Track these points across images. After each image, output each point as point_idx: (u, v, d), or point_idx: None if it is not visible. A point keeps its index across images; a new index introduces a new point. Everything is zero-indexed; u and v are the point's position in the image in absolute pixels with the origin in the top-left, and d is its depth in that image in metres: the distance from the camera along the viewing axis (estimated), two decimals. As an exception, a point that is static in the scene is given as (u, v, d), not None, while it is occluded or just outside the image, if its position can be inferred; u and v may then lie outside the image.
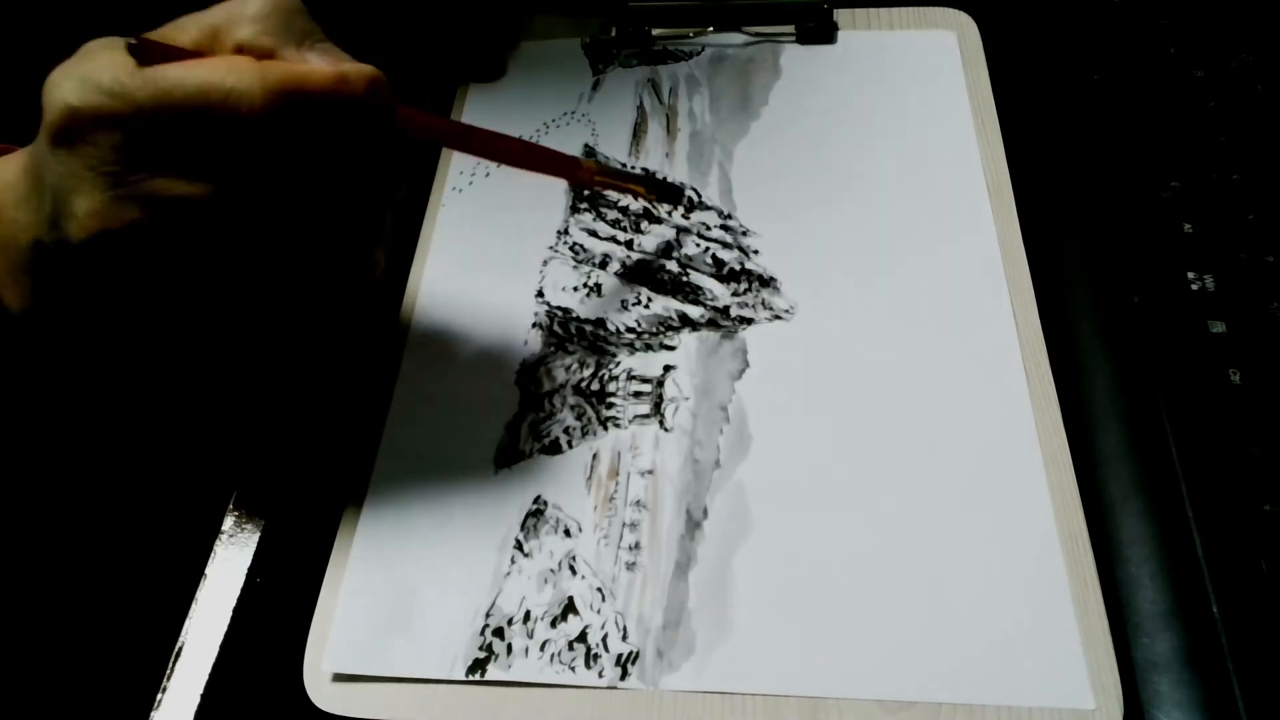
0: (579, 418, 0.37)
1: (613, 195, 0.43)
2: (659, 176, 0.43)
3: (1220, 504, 0.33)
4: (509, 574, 0.34)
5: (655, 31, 0.48)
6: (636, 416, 0.37)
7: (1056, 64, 0.46)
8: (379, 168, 0.29)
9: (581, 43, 0.49)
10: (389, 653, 0.32)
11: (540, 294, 0.40)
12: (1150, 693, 0.30)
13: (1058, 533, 0.32)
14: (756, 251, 0.41)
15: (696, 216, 0.42)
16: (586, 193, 0.43)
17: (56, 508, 0.38)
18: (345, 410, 0.38)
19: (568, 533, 0.34)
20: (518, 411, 0.37)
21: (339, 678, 0.32)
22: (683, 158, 0.44)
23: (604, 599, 0.33)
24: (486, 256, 0.42)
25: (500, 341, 0.39)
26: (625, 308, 0.40)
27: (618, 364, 0.38)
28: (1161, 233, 0.40)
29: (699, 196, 0.43)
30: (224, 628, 0.34)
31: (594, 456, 0.36)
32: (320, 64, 0.27)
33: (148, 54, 0.25)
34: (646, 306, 0.40)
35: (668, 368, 0.38)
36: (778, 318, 0.39)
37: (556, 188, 0.43)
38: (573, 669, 0.31)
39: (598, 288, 0.40)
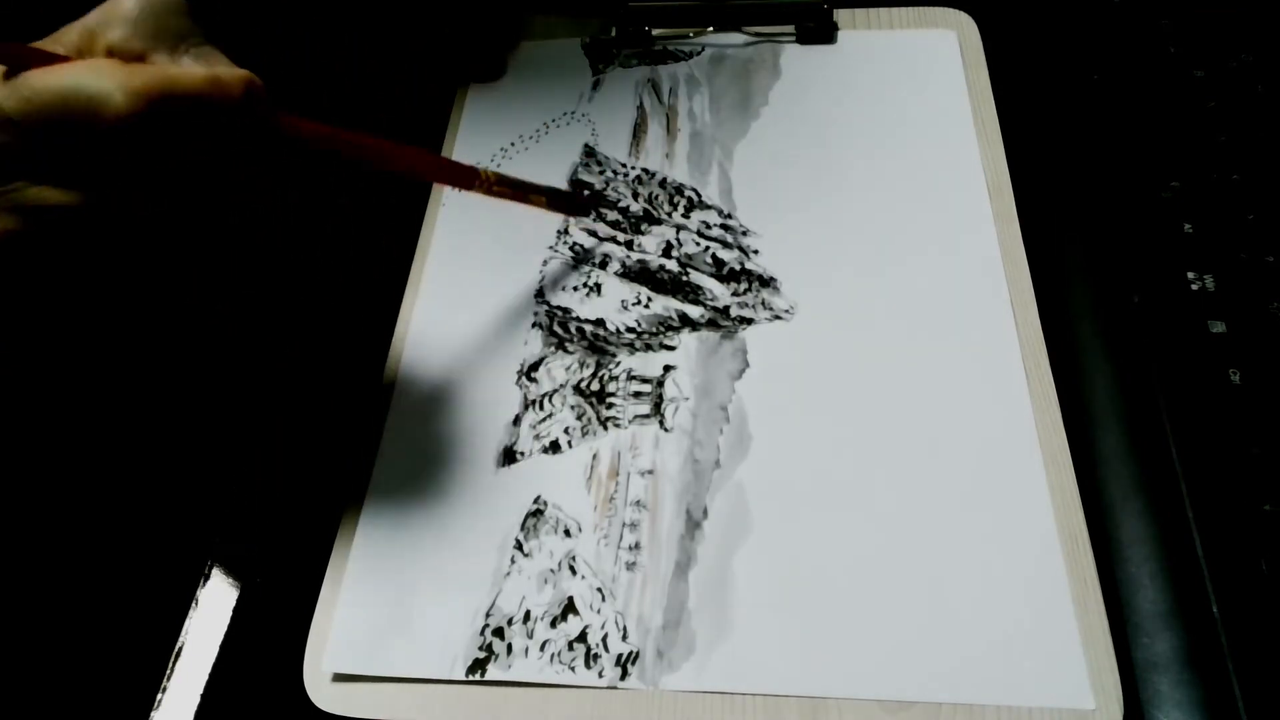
0: (579, 418, 0.37)
1: (607, 212, 0.43)
2: (564, 189, 0.42)
3: (1220, 504, 0.33)
4: (509, 574, 0.34)
5: (655, 31, 0.48)
6: (636, 416, 0.37)
7: (1056, 64, 0.46)
8: (260, 174, 0.28)
9: (581, 43, 0.49)
10: (389, 653, 0.32)
11: (540, 294, 0.40)
12: (1150, 693, 0.30)
13: (1058, 533, 0.32)
14: (756, 251, 0.41)
15: (696, 216, 0.42)
16: (587, 192, 0.43)
17: (56, 507, 0.38)
18: (345, 410, 0.38)
19: (568, 533, 0.34)
20: (518, 411, 0.37)
21: (339, 678, 0.32)
22: (683, 157, 0.44)
23: (604, 599, 0.33)
24: (487, 256, 0.42)
25: (500, 341, 0.39)
26: (625, 308, 0.40)
27: (618, 364, 0.38)
28: (1161, 233, 0.40)
29: (699, 197, 0.43)
30: (224, 628, 0.34)
31: (594, 456, 0.36)
32: (194, 68, 0.26)
33: (19, 61, 0.24)
34: (646, 306, 0.40)
35: (668, 368, 0.38)
36: (778, 318, 0.39)
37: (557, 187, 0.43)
38: (573, 669, 0.31)
39: (598, 288, 0.40)
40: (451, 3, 0.50)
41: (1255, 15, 0.46)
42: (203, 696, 0.33)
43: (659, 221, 0.42)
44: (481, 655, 0.32)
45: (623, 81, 0.47)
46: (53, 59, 0.25)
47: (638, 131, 0.45)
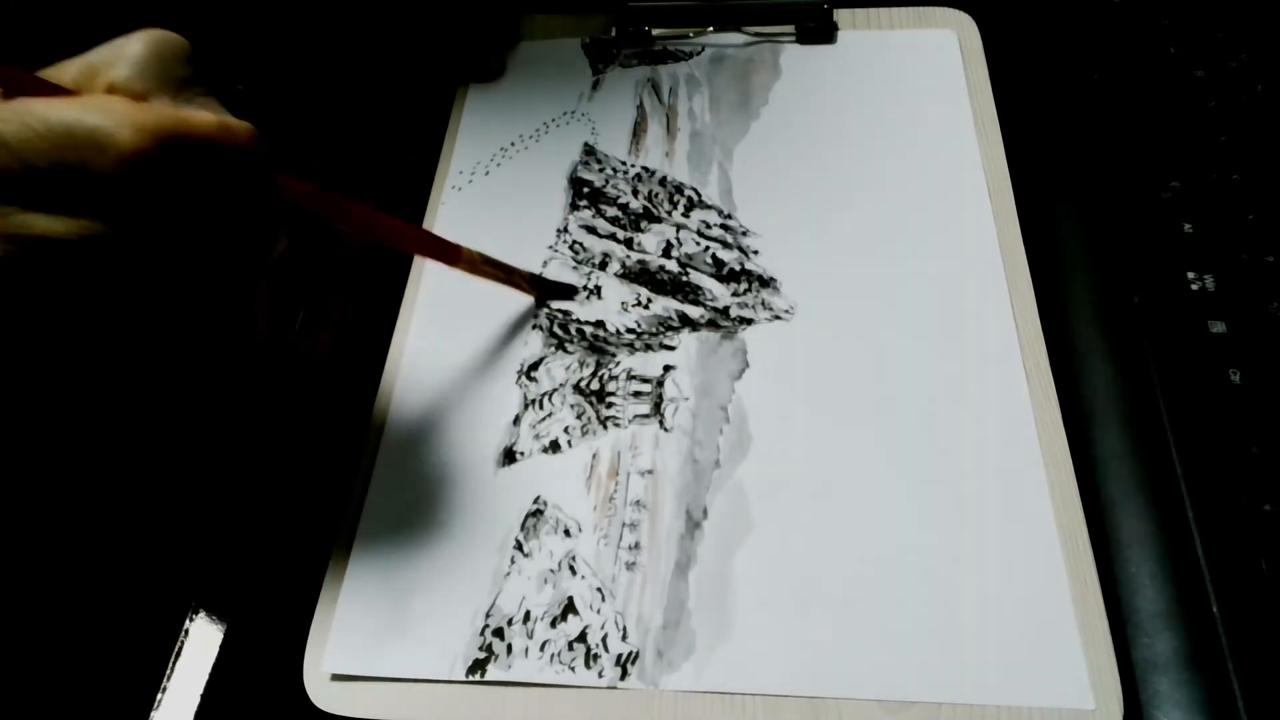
0: (579, 417, 0.37)
1: (607, 209, 0.43)
2: (547, 277, 0.40)
3: (1220, 504, 0.33)
4: (509, 574, 0.34)
5: (655, 31, 0.48)
6: (636, 416, 0.37)
7: (1056, 64, 0.46)
8: (254, 228, 0.28)
9: (581, 43, 0.49)
10: (389, 653, 0.32)
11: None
12: (1150, 693, 0.30)
13: (1058, 533, 0.32)
14: (756, 251, 0.41)
15: (696, 215, 0.42)
16: (586, 190, 0.43)
17: (56, 507, 0.38)
18: (345, 410, 0.38)
19: (567, 533, 0.34)
20: (518, 411, 0.37)
21: (339, 678, 0.32)
22: (683, 157, 0.44)
23: (604, 599, 0.33)
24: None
25: (500, 341, 0.39)
26: (625, 308, 0.40)
27: (617, 364, 0.38)
28: (1161, 233, 0.40)
29: (699, 196, 0.43)
30: (224, 628, 0.34)
31: (594, 456, 0.36)
32: (200, 112, 0.25)
33: (18, 86, 0.24)
34: (646, 307, 0.40)
35: (668, 368, 0.38)
36: (778, 318, 0.39)
37: (556, 187, 0.43)
38: (572, 669, 0.31)
39: (598, 290, 0.40)
40: (451, 3, 0.50)
41: (1255, 15, 0.46)
42: (203, 696, 0.33)
43: (659, 220, 0.42)
44: (481, 655, 0.32)
45: (623, 81, 0.47)
46: (56, 90, 0.25)
47: (638, 131, 0.45)
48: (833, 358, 0.37)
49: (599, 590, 0.33)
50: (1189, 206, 0.40)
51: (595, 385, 0.38)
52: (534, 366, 0.38)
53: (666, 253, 0.41)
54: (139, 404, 0.35)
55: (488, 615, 0.33)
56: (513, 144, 0.45)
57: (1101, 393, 0.36)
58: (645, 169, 0.44)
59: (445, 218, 0.43)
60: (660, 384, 0.37)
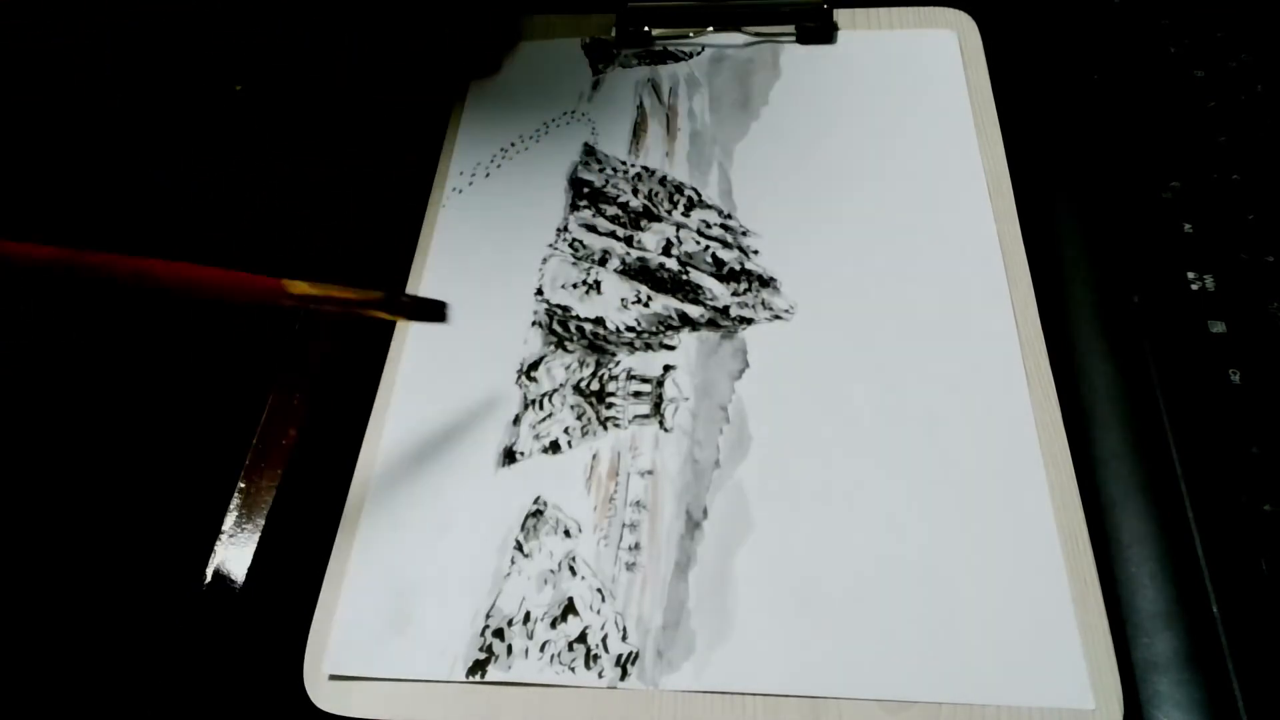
0: (579, 417, 0.37)
1: (607, 208, 0.43)
2: (420, 295, 0.36)
3: (1220, 504, 0.33)
4: (509, 575, 0.34)
5: (655, 31, 0.48)
6: (636, 416, 0.37)
7: (1056, 64, 0.46)
8: None
9: (581, 43, 0.49)
10: (389, 653, 0.32)
11: (539, 291, 0.40)
12: (1150, 693, 0.30)
13: (1058, 533, 0.32)
14: (756, 251, 0.41)
15: (696, 215, 0.42)
16: (587, 190, 0.43)
17: (55, 506, 0.38)
18: (344, 409, 0.38)
19: (567, 533, 0.34)
20: (518, 411, 0.37)
21: (338, 678, 0.32)
22: (682, 157, 0.44)
23: (604, 599, 0.33)
24: (486, 256, 0.42)
25: (500, 341, 0.39)
26: (625, 306, 0.40)
27: (617, 363, 0.38)
28: (1161, 233, 0.40)
29: (699, 196, 0.43)
30: (224, 627, 0.34)
31: (594, 457, 0.36)
32: None
33: None
34: (646, 304, 0.40)
35: (668, 368, 0.38)
36: (778, 318, 0.39)
37: (557, 187, 0.43)
38: (572, 669, 0.31)
39: (597, 285, 0.40)
40: (451, 2, 0.50)
41: (1255, 15, 0.46)
42: (202, 696, 0.33)
43: (659, 219, 0.42)
44: (482, 656, 0.32)
45: (623, 81, 0.47)
46: None
47: (637, 131, 0.45)
48: (833, 357, 0.37)
49: (599, 591, 0.33)
50: (1189, 206, 0.40)
51: (595, 385, 0.38)
52: (534, 366, 0.38)
53: (667, 251, 0.41)
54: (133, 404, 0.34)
55: (488, 616, 0.33)
56: (513, 144, 0.45)
57: (1101, 393, 0.36)
58: (645, 169, 0.44)
59: (445, 220, 0.43)
60: (660, 384, 0.37)
